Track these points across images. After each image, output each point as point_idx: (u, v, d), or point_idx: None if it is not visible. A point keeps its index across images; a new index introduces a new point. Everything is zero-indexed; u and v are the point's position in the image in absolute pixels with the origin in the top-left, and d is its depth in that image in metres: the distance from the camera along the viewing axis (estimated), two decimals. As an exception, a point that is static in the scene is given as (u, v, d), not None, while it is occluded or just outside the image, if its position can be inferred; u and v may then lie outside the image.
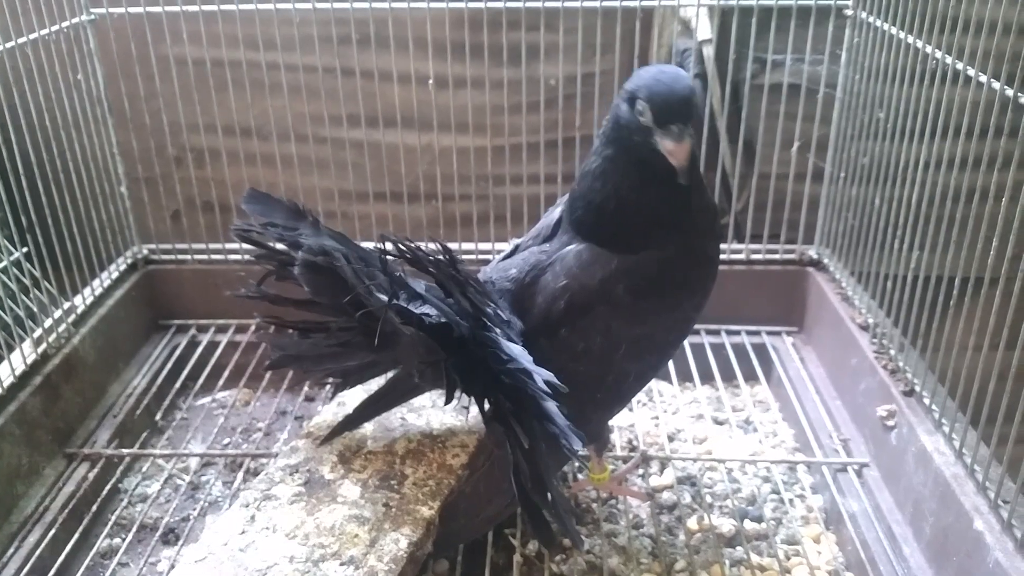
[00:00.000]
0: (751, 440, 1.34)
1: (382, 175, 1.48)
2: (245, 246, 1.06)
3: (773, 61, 1.51)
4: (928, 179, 1.13)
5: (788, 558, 1.11)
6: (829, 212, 1.49)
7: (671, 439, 1.33)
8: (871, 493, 1.15)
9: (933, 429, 1.10)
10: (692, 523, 1.16)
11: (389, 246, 0.92)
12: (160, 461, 1.29)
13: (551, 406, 0.84)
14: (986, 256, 0.97)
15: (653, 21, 1.59)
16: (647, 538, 1.14)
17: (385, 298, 0.88)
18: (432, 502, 0.99)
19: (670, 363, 1.43)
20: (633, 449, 1.29)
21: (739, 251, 1.54)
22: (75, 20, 1.37)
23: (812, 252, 1.54)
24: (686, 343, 1.40)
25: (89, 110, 1.39)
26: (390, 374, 1.10)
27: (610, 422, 1.19)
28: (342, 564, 0.90)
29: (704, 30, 1.56)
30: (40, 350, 1.26)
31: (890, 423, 1.17)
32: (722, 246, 1.49)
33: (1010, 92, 0.94)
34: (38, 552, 1.07)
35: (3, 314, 1.25)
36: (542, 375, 0.85)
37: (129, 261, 1.55)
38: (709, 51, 1.56)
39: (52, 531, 1.10)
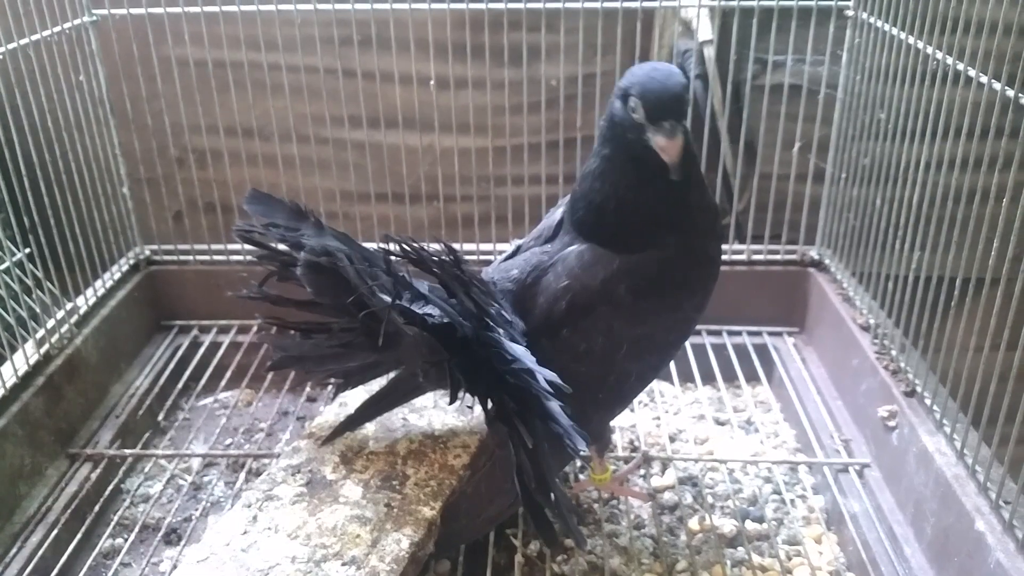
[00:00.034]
0: (752, 440, 1.34)
1: (383, 176, 1.48)
2: (247, 247, 1.07)
3: (774, 62, 1.51)
4: (929, 180, 1.13)
5: (789, 558, 1.11)
6: (830, 213, 1.49)
7: (672, 439, 1.33)
8: (872, 493, 1.15)
9: (934, 430, 1.10)
10: (693, 523, 1.16)
11: (393, 246, 0.92)
12: (162, 461, 1.29)
13: (554, 406, 0.84)
14: (987, 257, 0.97)
15: (654, 22, 1.59)
16: (648, 538, 1.14)
17: (388, 299, 0.88)
18: (434, 502, 0.99)
19: (671, 364, 1.43)
20: (635, 449, 1.29)
21: (740, 252, 1.54)
22: (77, 21, 1.37)
23: (813, 253, 1.54)
24: (688, 343, 1.40)
25: (91, 111, 1.39)
26: (392, 375, 1.10)
27: (612, 423, 1.19)
28: (344, 564, 0.90)
29: (705, 31, 1.56)
30: (43, 351, 1.26)
31: (891, 424, 1.17)
32: (723, 247, 1.49)
33: (1011, 93, 0.94)
34: (40, 552, 1.07)
35: (6, 315, 1.25)
36: (545, 375, 0.85)
37: (131, 262, 1.55)
38: (710, 52, 1.57)
39: (55, 531, 1.10)
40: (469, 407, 0.93)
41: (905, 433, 1.13)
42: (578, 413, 0.85)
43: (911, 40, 1.18)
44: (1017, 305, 0.90)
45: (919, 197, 1.15)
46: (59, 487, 1.18)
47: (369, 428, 1.12)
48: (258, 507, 0.98)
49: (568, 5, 1.36)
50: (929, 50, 1.13)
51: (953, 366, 1.06)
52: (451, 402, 0.92)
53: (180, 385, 1.45)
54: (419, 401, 1.15)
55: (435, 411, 1.15)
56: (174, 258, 1.57)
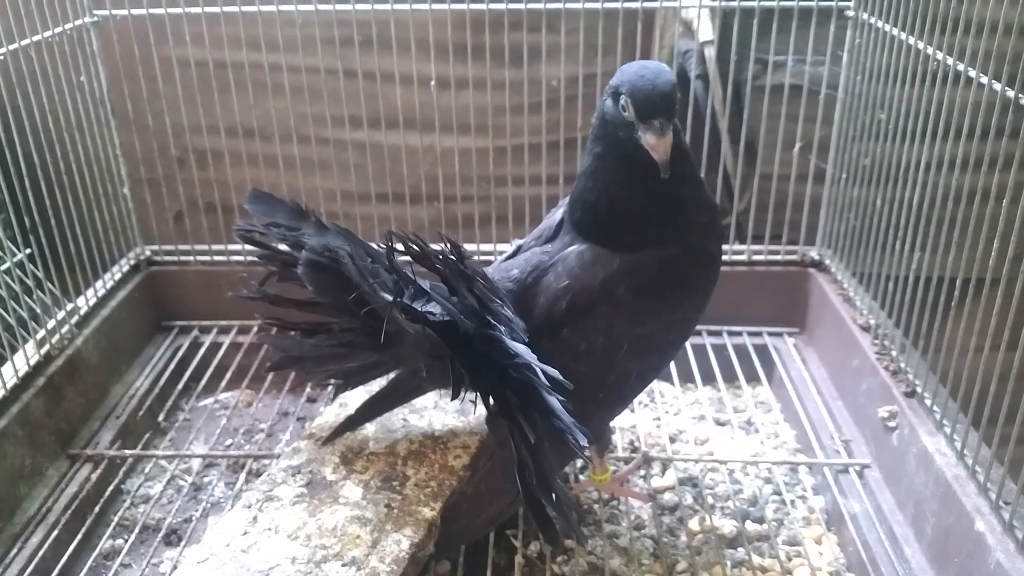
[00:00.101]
0: (753, 441, 1.34)
1: (384, 176, 1.48)
2: (248, 247, 1.07)
3: (775, 62, 1.51)
4: (929, 180, 1.13)
5: (790, 559, 1.11)
6: (831, 213, 1.49)
7: (673, 440, 1.33)
8: (872, 494, 1.15)
9: (934, 430, 1.10)
10: (694, 524, 1.16)
11: (397, 243, 0.92)
12: (163, 462, 1.29)
13: (556, 401, 0.84)
14: (987, 257, 0.97)
15: (655, 22, 1.59)
16: (649, 539, 1.14)
17: (389, 297, 0.88)
18: (434, 503, 0.99)
19: (672, 364, 1.43)
20: (635, 450, 1.29)
21: (741, 252, 1.54)
22: (78, 22, 1.38)
23: (813, 253, 1.54)
24: (688, 344, 1.40)
25: (92, 112, 1.39)
26: (392, 375, 1.10)
27: (612, 423, 1.19)
28: (344, 565, 0.90)
29: (706, 31, 1.56)
30: (43, 351, 1.26)
31: (891, 424, 1.17)
32: (724, 247, 1.49)
33: (1011, 93, 0.94)
34: (41, 553, 1.08)
35: (6, 315, 1.25)
36: (547, 371, 0.85)
37: (132, 262, 1.55)
38: (711, 52, 1.57)
39: (55, 532, 1.10)
40: (472, 402, 0.93)
41: (905, 433, 1.13)
42: (578, 413, 0.85)
43: (911, 40, 1.18)
44: (1017, 306, 0.90)
45: (919, 197, 1.15)
46: (59, 488, 1.18)
47: (369, 429, 1.12)
48: (258, 508, 0.99)
49: (569, 5, 1.36)
50: (929, 50, 1.13)
51: (953, 366, 1.06)
52: (453, 398, 0.92)
53: (180, 386, 1.45)
54: (419, 402, 1.15)
55: (435, 412, 1.16)
56: (175, 258, 1.57)
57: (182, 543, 1.13)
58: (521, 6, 1.37)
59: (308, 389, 1.45)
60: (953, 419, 1.08)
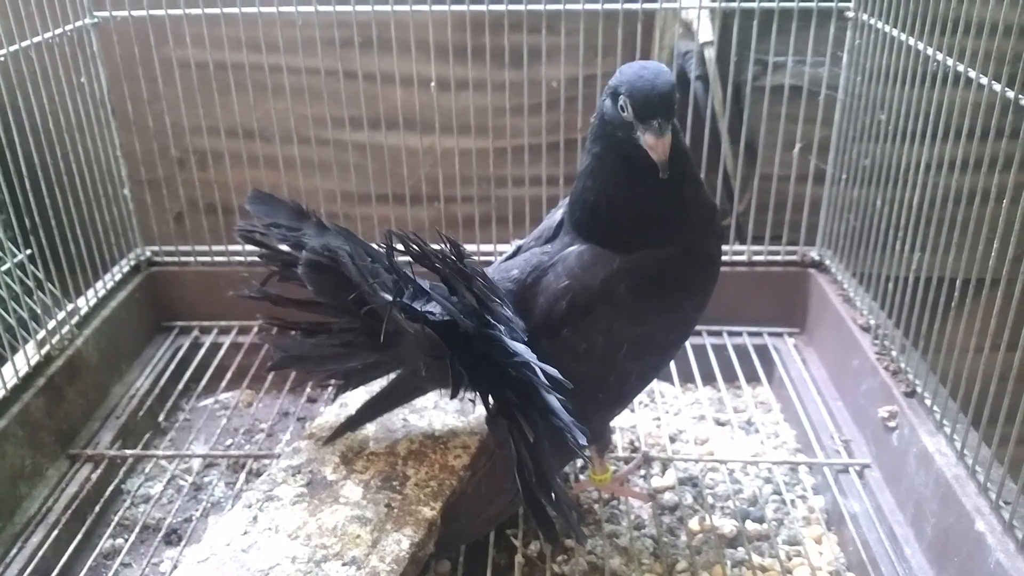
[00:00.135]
0: (753, 441, 1.34)
1: (384, 177, 1.48)
2: (249, 247, 1.07)
3: (774, 63, 1.51)
4: (929, 181, 1.13)
5: (790, 559, 1.11)
6: (831, 214, 1.49)
7: (673, 440, 1.33)
8: (872, 494, 1.15)
9: (934, 430, 1.10)
10: (694, 524, 1.16)
11: (396, 243, 0.92)
12: (163, 462, 1.29)
13: (555, 400, 0.84)
14: (987, 258, 0.97)
15: (655, 23, 1.59)
16: (649, 539, 1.14)
17: (389, 296, 0.88)
18: (434, 503, 0.99)
19: (672, 364, 1.43)
20: (635, 450, 1.29)
21: (741, 252, 1.54)
22: (78, 23, 1.38)
23: (814, 253, 1.54)
24: (688, 344, 1.40)
25: (92, 113, 1.39)
26: (392, 375, 1.10)
27: (612, 423, 1.19)
28: (344, 565, 0.90)
29: (706, 32, 1.56)
30: (43, 352, 1.26)
31: (891, 424, 1.17)
32: (724, 247, 1.49)
33: (1011, 94, 0.94)
34: (41, 553, 1.08)
35: (7, 316, 1.26)
36: (546, 370, 0.85)
37: (132, 263, 1.55)
38: (711, 53, 1.57)
39: (55, 532, 1.10)
40: (471, 400, 0.93)
41: (905, 434, 1.13)
42: (578, 412, 0.86)
43: (911, 41, 1.18)
44: (1017, 306, 0.90)
45: (919, 198, 1.15)
46: (60, 488, 1.18)
47: (369, 429, 1.12)
48: (258, 507, 0.99)
49: (569, 7, 1.36)
50: (929, 51, 1.13)
51: (953, 367, 1.06)
52: (452, 397, 0.92)
53: (181, 386, 1.45)
54: (419, 402, 1.15)
55: (435, 412, 1.16)
56: (175, 259, 1.57)
57: (182, 543, 1.13)
58: (521, 7, 1.37)
59: (308, 389, 1.45)
60: (953, 419, 1.08)
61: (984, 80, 1.00)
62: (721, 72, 1.55)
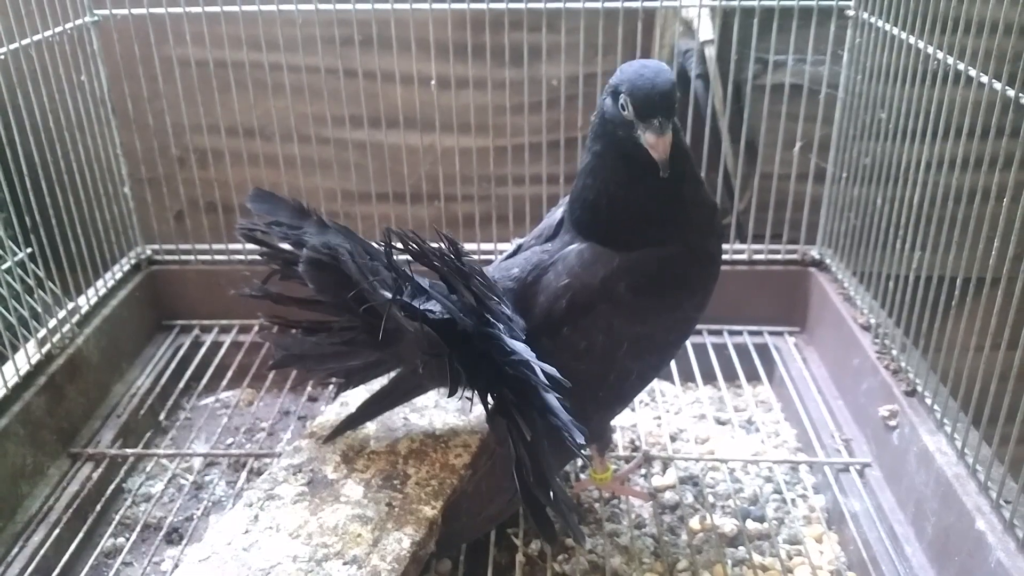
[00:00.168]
0: (753, 440, 1.34)
1: (385, 175, 1.48)
2: (249, 245, 1.07)
3: (775, 62, 1.51)
4: (930, 179, 1.13)
5: (790, 558, 1.11)
6: (831, 212, 1.49)
7: (673, 439, 1.33)
8: (873, 493, 1.16)
9: (935, 429, 1.10)
10: (694, 523, 1.16)
11: (395, 241, 0.92)
12: (164, 461, 1.29)
13: (553, 399, 0.84)
14: (987, 257, 0.97)
15: (655, 22, 1.59)
16: (649, 538, 1.14)
17: (389, 294, 0.88)
18: (435, 502, 0.99)
19: (672, 363, 1.43)
20: (635, 449, 1.29)
21: (741, 251, 1.54)
22: (79, 21, 1.38)
23: (814, 252, 1.54)
24: (688, 343, 1.40)
25: (93, 111, 1.39)
26: (393, 373, 1.10)
27: (613, 422, 1.19)
28: (345, 563, 0.90)
29: (706, 31, 1.56)
30: (44, 350, 1.26)
31: (892, 423, 1.17)
32: (724, 246, 1.49)
33: (1011, 92, 0.94)
34: (42, 552, 1.08)
35: (8, 315, 1.26)
36: (545, 369, 0.85)
37: (133, 262, 1.55)
38: (711, 52, 1.57)
39: (56, 531, 1.11)
40: (468, 398, 0.93)
41: (906, 432, 1.13)
42: (578, 411, 0.85)
43: (912, 40, 1.18)
44: (1017, 305, 0.90)
45: (920, 197, 1.15)
46: (61, 486, 1.18)
47: (370, 427, 1.12)
48: (259, 506, 0.99)
49: (569, 5, 1.36)
50: (930, 50, 1.13)
51: (954, 366, 1.06)
52: (450, 395, 0.92)
53: (181, 385, 1.45)
54: (420, 400, 1.15)
55: (436, 410, 1.16)
56: (175, 258, 1.57)
57: (183, 542, 1.13)
58: (521, 5, 1.37)
59: (309, 388, 1.45)
60: (953, 418, 1.08)
61: (984, 79, 1.00)
62: (722, 71, 1.55)
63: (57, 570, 1.05)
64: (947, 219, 1.09)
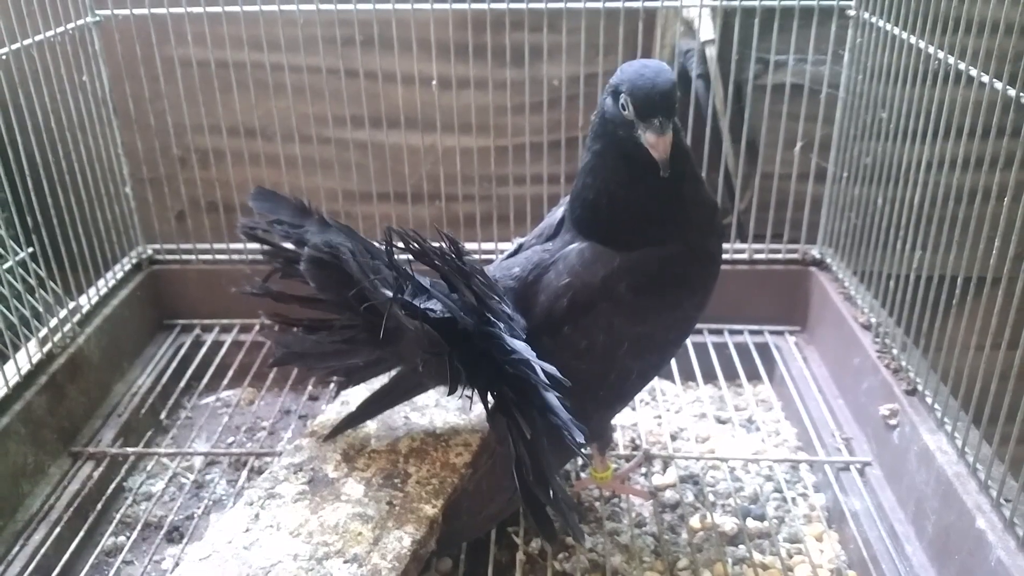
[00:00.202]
0: (754, 439, 1.34)
1: (386, 176, 1.48)
2: (250, 245, 1.07)
3: (776, 61, 1.51)
4: (930, 179, 1.13)
5: (790, 556, 1.11)
6: (832, 212, 1.49)
7: (674, 438, 1.33)
8: (873, 492, 1.16)
9: (935, 428, 1.10)
10: (695, 521, 1.16)
11: (396, 240, 0.92)
12: (165, 460, 1.29)
13: (553, 398, 0.84)
14: (988, 256, 0.97)
15: (656, 22, 1.59)
16: (650, 536, 1.14)
17: (390, 293, 0.88)
18: (435, 500, 0.99)
19: (673, 362, 1.43)
20: (636, 448, 1.30)
21: (742, 251, 1.54)
22: (80, 22, 1.38)
23: (815, 252, 1.54)
24: (689, 342, 1.40)
25: (94, 111, 1.39)
26: (394, 372, 1.10)
27: (613, 421, 1.19)
28: (346, 562, 0.90)
29: (707, 31, 1.56)
30: (45, 350, 1.26)
31: (892, 422, 1.17)
32: (725, 246, 1.49)
33: (1012, 92, 0.94)
34: (43, 550, 1.08)
35: (9, 314, 1.26)
36: (545, 368, 0.85)
37: (134, 261, 1.55)
38: (712, 52, 1.57)
39: (57, 529, 1.11)
40: (469, 397, 0.93)
41: (906, 431, 1.14)
42: (578, 410, 0.85)
43: (913, 40, 1.18)
44: (1018, 304, 0.90)
45: (920, 196, 1.15)
46: (62, 485, 1.19)
47: (371, 426, 1.12)
48: (260, 505, 0.99)
49: (570, 5, 1.36)
50: (931, 50, 1.13)
51: (954, 365, 1.06)
52: (450, 394, 0.92)
53: (182, 384, 1.45)
54: (421, 399, 1.15)
55: (437, 409, 1.16)
56: (176, 257, 1.58)
57: (184, 540, 1.13)
58: (522, 5, 1.37)
59: (310, 387, 1.45)
60: (954, 417, 1.08)
61: (985, 78, 1.00)
62: (723, 70, 1.55)
63: (58, 569, 1.05)
64: (947, 219, 1.09)
